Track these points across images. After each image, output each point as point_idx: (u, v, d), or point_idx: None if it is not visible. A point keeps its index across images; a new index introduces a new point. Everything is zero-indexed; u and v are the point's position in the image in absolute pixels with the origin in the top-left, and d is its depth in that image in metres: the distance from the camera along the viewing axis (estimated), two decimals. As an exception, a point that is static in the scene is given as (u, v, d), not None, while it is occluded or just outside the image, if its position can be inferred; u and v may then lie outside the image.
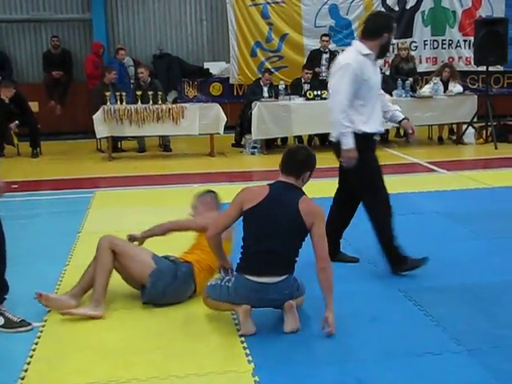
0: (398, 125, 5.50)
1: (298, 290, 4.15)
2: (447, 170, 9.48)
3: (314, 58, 12.77)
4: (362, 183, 4.98)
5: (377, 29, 4.83)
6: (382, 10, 14.20)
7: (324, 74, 12.56)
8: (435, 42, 14.56)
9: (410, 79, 12.20)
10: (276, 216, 3.95)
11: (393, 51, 14.05)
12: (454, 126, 12.44)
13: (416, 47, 14.49)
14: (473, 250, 5.53)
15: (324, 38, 12.79)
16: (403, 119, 5.20)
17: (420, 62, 14.45)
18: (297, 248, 4.05)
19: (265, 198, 4.02)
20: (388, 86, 11.97)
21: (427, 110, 11.63)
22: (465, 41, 14.52)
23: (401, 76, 12.28)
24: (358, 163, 4.84)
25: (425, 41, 14.57)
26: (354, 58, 4.78)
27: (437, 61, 14.49)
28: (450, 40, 14.59)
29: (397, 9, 14.30)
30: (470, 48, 14.08)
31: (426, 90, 12.08)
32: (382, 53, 4.94)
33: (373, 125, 4.90)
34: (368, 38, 4.82)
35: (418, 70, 13.78)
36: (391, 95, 11.62)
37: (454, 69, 12.68)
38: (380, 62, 4.96)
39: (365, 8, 14.11)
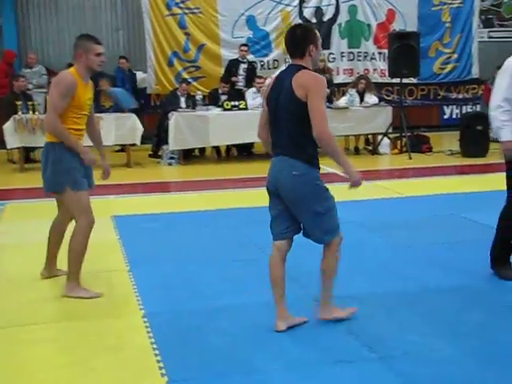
0: None
1: (319, 201, 4.05)
2: (363, 179, 9.62)
3: (232, 67, 12.84)
4: None
5: None
6: (299, 21, 14.44)
7: (241, 84, 12.65)
8: (351, 54, 14.94)
9: (327, 90, 12.39)
10: (278, 97, 4.03)
11: (310, 63, 14.34)
12: (370, 136, 12.74)
13: (334, 59, 14.79)
14: (386, 259, 5.65)
15: (243, 48, 12.88)
16: None
17: (337, 74, 14.76)
18: (301, 129, 3.93)
19: (273, 83, 4.15)
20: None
21: (343, 120, 11.87)
22: (380, 53, 14.93)
23: (318, 87, 12.47)
24: None
25: (342, 53, 14.90)
26: None
27: (353, 72, 14.85)
28: (365, 52, 15.00)
29: (314, 21, 14.56)
30: (384, 60, 14.49)
31: (342, 101, 12.35)
32: None
33: None
34: None
35: (336, 82, 14.09)
36: (308, 106, 11.82)
37: (370, 80, 13.00)
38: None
39: (282, 20, 14.31)
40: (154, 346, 3.95)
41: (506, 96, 4.88)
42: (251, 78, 12.54)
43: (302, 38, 4.05)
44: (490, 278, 5.16)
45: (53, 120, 4.63)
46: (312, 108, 3.87)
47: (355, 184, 4.12)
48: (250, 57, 13.58)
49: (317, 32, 4.15)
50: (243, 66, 12.82)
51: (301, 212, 4.07)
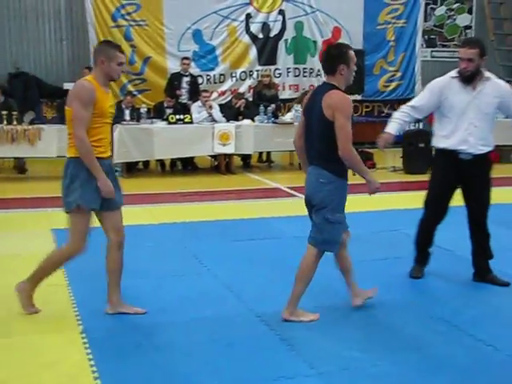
0: None
1: (332, 210, 4.49)
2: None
3: (175, 80, 12.81)
4: None
5: None
6: (246, 36, 14.51)
7: (184, 97, 12.62)
8: (297, 70, 15.07)
9: (272, 105, 12.51)
10: (311, 112, 4.46)
11: (256, 77, 14.41)
12: (315, 152, 12.82)
13: (280, 74, 14.90)
14: (326, 275, 5.61)
15: (185, 61, 12.85)
16: None
17: (283, 89, 14.88)
18: (328, 146, 4.36)
19: (309, 97, 4.57)
20: (250, 111, 12.25)
21: (288, 136, 11.64)
22: (325, 69, 15.10)
23: (263, 102, 12.57)
24: None
25: (288, 68, 15.02)
26: (441, 78, 5.38)
27: (299, 88, 14.98)
28: (311, 68, 15.13)
29: (261, 36, 14.66)
30: (330, 77, 14.61)
31: (287, 116, 12.42)
32: (461, 77, 5.24)
33: (450, 142, 5.27)
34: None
35: (282, 97, 14.22)
36: (253, 121, 11.88)
37: (315, 97, 13.08)
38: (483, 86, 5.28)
39: (228, 34, 14.36)
40: (92, 362, 3.90)
41: (415, 104, 5.41)
42: (194, 91, 12.55)
43: (335, 57, 4.39)
44: (428, 293, 5.28)
45: (83, 136, 4.37)
46: (338, 127, 4.28)
47: (372, 190, 4.61)
48: (196, 70, 13.63)
49: (351, 53, 4.43)
50: (186, 80, 12.78)
51: (316, 214, 4.52)
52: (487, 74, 5.28)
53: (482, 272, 5.49)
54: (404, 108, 5.44)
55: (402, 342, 4.26)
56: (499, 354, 4.09)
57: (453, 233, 6.01)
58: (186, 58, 13.01)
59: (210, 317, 4.68)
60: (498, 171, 5.78)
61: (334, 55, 4.38)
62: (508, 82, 15.90)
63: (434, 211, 5.46)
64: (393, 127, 5.36)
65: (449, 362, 3.95)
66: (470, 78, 5.19)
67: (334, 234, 4.55)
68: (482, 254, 5.49)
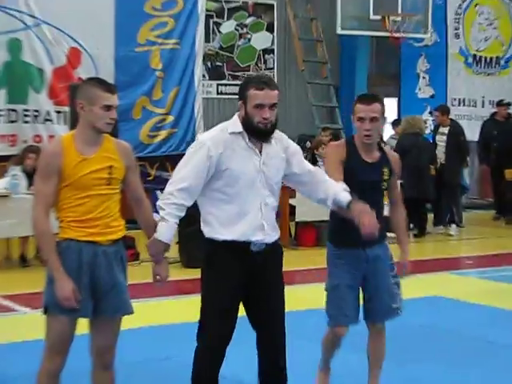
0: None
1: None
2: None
3: None
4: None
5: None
6: None
7: None
8: (13, 113, 14.71)
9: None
10: None
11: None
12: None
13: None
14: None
15: None
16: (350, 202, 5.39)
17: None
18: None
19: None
20: None
21: (2, 216, 11.55)
22: (58, 112, 14.81)
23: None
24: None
25: (-1, 110, 14.60)
26: (212, 136, 5.20)
27: (16, 140, 14.59)
28: (35, 110, 14.87)
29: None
30: (66, 123, 14.17)
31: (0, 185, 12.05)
32: (260, 132, 5.14)
33: (238, 231, 5.17)
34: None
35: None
36: None
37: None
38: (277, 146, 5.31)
39: None
40: None
41: (187, 187, 5.14)
42: None
43: None
44: None
45: (37, 216, 4.74)
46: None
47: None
48: None
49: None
50: None
51: None
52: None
53: None
54: (176, 197, 5.08)
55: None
56: None
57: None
58: None
59: None
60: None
61: None
62: (324, 129, 16.38)
63: (222, 334, 5.30)
64: (170, 234, 5.12)
65: None
66: (272, 132, 5.20)
67: (328, 305, 6.03)
68: None
